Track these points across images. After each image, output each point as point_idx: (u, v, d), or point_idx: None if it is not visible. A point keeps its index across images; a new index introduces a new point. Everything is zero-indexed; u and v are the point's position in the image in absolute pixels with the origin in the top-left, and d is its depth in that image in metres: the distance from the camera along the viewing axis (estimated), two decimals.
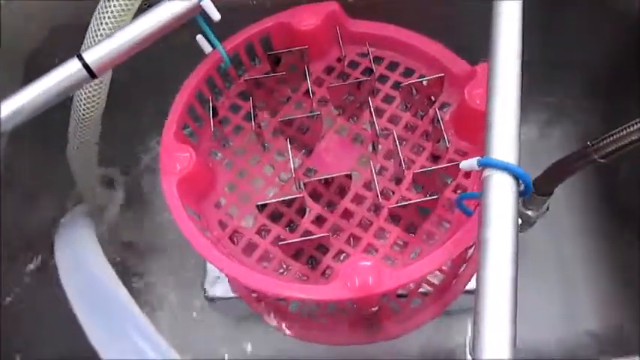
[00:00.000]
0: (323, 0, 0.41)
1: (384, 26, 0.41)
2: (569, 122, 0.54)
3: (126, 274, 0.50)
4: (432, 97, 0.39)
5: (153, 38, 0.35)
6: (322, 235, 0.33)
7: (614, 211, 0.51)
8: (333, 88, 0.38)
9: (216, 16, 0.36)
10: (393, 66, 0.42)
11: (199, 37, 0.40)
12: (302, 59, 0.41)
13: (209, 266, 0.48)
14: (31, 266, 0.44)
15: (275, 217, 0.36)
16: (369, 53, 0.41)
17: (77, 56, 0.34)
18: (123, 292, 0.32)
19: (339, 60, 0.43)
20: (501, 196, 0.26)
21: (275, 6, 0.42)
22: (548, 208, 0.47)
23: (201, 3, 0.34)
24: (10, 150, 0.43)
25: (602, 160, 0.38)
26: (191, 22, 0.37)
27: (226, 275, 0.33)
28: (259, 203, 0.33)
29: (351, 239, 0.36)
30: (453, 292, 0.42)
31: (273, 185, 0.38)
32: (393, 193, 0.37)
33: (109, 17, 0.36)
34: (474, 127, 0.36)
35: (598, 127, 0.39)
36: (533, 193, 0.45)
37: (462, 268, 0.42)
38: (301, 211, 0.37)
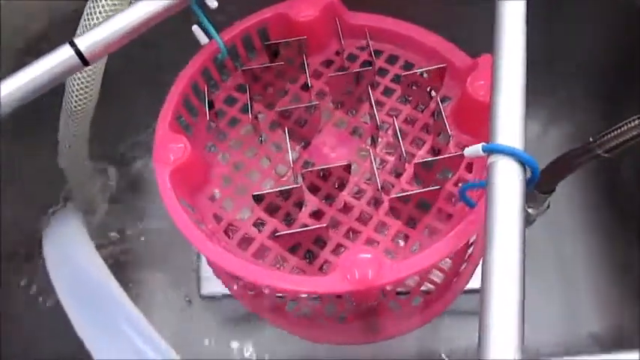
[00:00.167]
0: None
1: (383, 19, 0.41)
2: (569, 121, 0.54)
3: (117, 270, 0.49)
4: (433, 90, 0.39)
5: (147, 25, 0.34)
6: (320, 225, 0.31)
7: (614, 210, 0.50)
8: (332, 79, 0.38)
9: (213, 3, 0.35)
10: (392, 59, 0.41)
11: (195, 28, 0.39)
12: (300, 52, 0.41)
13: (204, 264, 0.47)
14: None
15: (272, 210, 0.35)
16: (368, 45, 0.40)
17: (69, 43, 0.33)
18: (115, 286, 0.31)
19: (337, 53, 0.42)
20: (507, 183, 0.25)
21: None
22: (549, 206, 0.47)
23: None
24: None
25: (605, 155, 0.37)
26: (187, 12, 0.36)
27: (221, 268, 0.32)
28: (256, 194, 0.32)
29: (350, 233, 0.35)
30: (453, 292, 0.41)
31: (270, 178, 0.38)
32: (393, 186, 0.36)
33: (103, 4, 0.35)
34: (476, 119, 0.36)
35: (599, 126, 0.38)
36: (535, 190, 0.45)
37: (463, 267, 0.41)
38: (299, 205, 0.36)
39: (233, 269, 0.31)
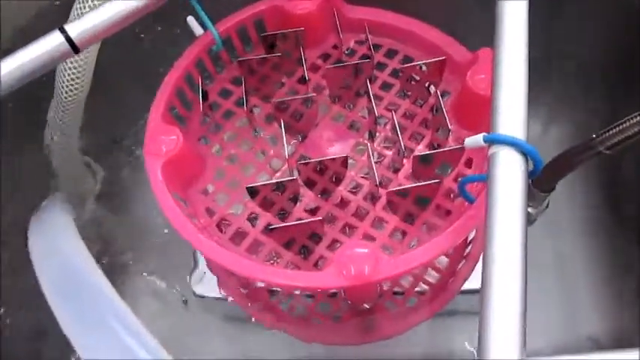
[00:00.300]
0: None
1: (382, 12, 0.40)
2: (569, 120, 0.53)
3: (108, 267, 0.48)
4: (432, 85, 0.38)
5: (140, 14, 0.33)
6: (315, 219, 0.31)
7: (615, 210, 0.50)
8: (329, 71, 0.37)
9: None
10: (391, 53, 0.41)
11: (190, 19, 0.39)
12: (297, 45, 0.40)
13: (200, 262, 0.46)
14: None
15: (266, 204, 0.34)
16: (367, 40, 0.39)
17: (59, 29, 0.32)
18: (103, 281, 0.30)
19: (335, 47, 0.42)
20: (509, 174, 0.24)
21: None
22: (548, 205, 0.46)
23: None
24: None
25: (607, 152, 0.37)
26: (182, 2, 0.36)
27: (213, 262, 0.31)
28: (249, 186, 0.32)
29: (347, 228, 0.34)
30: (450, 292, 0.40)
31: (265, 172, 0.37)
32: (391, 181, 0.35)
33: None
34: (476, 114, 0.35)
35: (599, 125, 0.37)
36: (535, 188, 0.44)
37: (460, 265, 0.41)
38: (294, 200, 0.35)
39: (226, 264, 0.30)
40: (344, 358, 0.42)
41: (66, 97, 0.39)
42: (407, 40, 0.40)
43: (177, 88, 0.37)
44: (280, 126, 0.35)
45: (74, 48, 0.32)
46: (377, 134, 0.37)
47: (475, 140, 0.26)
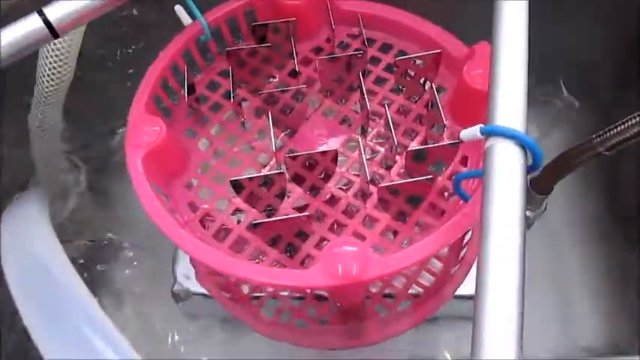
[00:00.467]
0: None
1: (377, 5, 0.39)
2: (568, 122, 0.52)
3: (90, 265, 0.46)
4: (427, 80, 0.37)
5: None
6: (302, 215, 0.29)
7: (613, 215, 0.48)
8: (322, 63, 0.35)
9: None
10: (385, 48, 0.39)
11: (178, 8, 0.37)
12: (288, 38, 0.39)
13: (180, 261, 0.44)
14: None
15: (252, 200, 0.33)
16: (361, 33, 0.38)
17: (37, 12, 0.31)
18: (76, 280, 0.28)
19: (328, 41, 0.40)
20: (507, 168, 0.22)
21: None
22: (546, 208, 0.45)
23: None
24: None
25: (607, 153, 0.36)
26: None
27: (192, 258, 0.30)
28: (234, 179, 0.30)
29: (336, 226, 0.33)
30: (442, 297, 0.39)
31: (251, 167, 0.35)
32: (383, 178, 0.34)
33: None
34: (472, 110, 0.33)
35: (598, 127, 0.36)
36: (532, 191, 0.43)
37: (455, 269, 0.39)
38: (281, 196, 0.33)
39: (207, 260, 0.29)
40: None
41: (47, 87, 0.38)
42: (401, 34, 0.39)
43: (162, 79, 0.36)
44: (269, 119, 0.33)
45: (53, 33, 0.30)
46: (369, 130, 0.36)
47: (471, 132, 0.24)
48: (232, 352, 0.46)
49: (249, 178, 0.30)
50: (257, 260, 0.32)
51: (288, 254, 0.32)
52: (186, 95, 0.34)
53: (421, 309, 0.38)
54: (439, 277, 0.39)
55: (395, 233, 0.32)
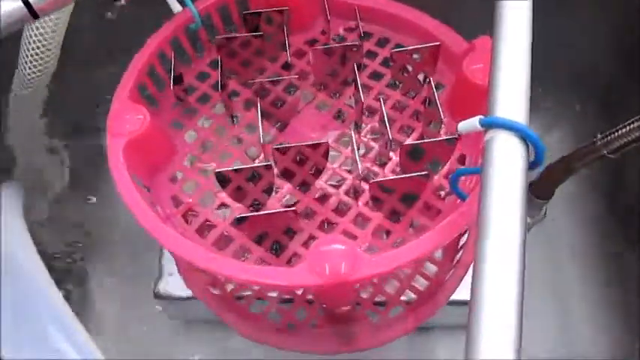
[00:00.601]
0: None
1: None
2: (569, 127, 0.50)
3: (71, 262, 0.44)
4: (425, 76, 0.35)
5: None
6: (290, 209, 0.27)
7: (615, 221, 0.47)
8: (315, 55, 0.34)
9: None
10: (382, 42, 0.38)
11: None
12: (281, 29, 0.37)
13: (164, 259, 0.43)
14: None
15: (238, 195, 0.31)
16: (357, 26, 0.36)
17: None
18: (42, 275, 0.27)
19: (323, 34, 0.39)
20: (507, 162, 0.21)
21: None
22: (545, 214, 0.43)
23: None
24: None
25: (611, 156, 0.34)
26: None
27: (171, 253, 0.28)
28: (219, 171, 0.28)
29: (325, 224, 0.31)
30: (436, 303, 0.37)
31: (240, 161, 0.34)
32: (376, 176, 0.32)
33: None
34: (472, 106, 0.32)
35: (600, 129, 0.35)
36: (532, 196, 0.41)
37: (449, 275, 0.38)
38: (269, 191, 0.32)
39: (187, 256, 0.27)
40: None
41: (29, 73, 0.36)
42: (399, 28, 0.37)
43: (149, 66, 0.34)
44: (258, 111, 0.32)
45: (32, 12, 0.29)
46: (363, 126, 0.35)
47: (470, 124, 0.23)
48: (221, 351, 0.44)
49: (235, 170, 0.29)
50: (241, 258, 0.31)
51: (274, 252, 0.30)
52: (172, 84, 0.33)
53: (415, 314, 0.37)
54: (433, 282, 0.38)
55: (388, 233, 0.31)
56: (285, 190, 0.32)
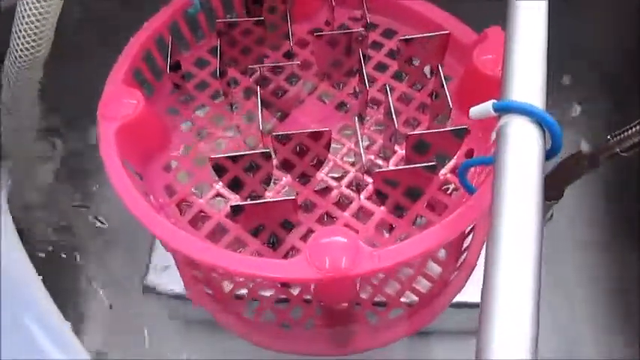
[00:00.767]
0: None
1: None
2: (580, 122, 0.49)
3: (62, 255, 0.43)
4: (431, 69, 0.34)
5: None
6: (288, 198, 0.26)
7: (622, 226, 0.45)
8: (318, 42, 0.33)
9: None
10: (388, 34, 0.37)
11: None
12: (285, 18, 0.36)
13: (155, 253, 0.41)
14: None
15: (234, 186, 0.30)
16: (363, 16, 0.35)
17: None
18: (26, 270, 0.25)
19: (327, 24, 0.38)
20: (523, 149, 0.19)
21: None
22: (552, 216, 0.42)
23: None
24: None
25: (624, 154, 0.33)
26: None
27: (162, 242, 0.26)
28: (215, 157, 0.27)
29: (325, 218, 0.30)
30: (439, 305, 0.36)
31: (237, 150, 0.32)
32: (380, 169, 0.31)
33: None
34: (481, 99, 0.30)
35: (611, 127, 0.34)
36: None
37: (453, 276, 0.36)
38: (267, 182, 0.30)
39: (179, 245, 0.25)
40: None
41: (21, 56, 0.35)
42: (406, 19, 0.36)
43: (145, 51, 0.33)
44: (258, 99, 0.30)
45: None
46: (367, 117, 0.33)
47: (483, 109, 0.21)
48: (213, 351, 0.42)
49: (232, 157, 0.27)
50: (237, 252, 0.29)
51: (270, 246, 0.28)
52: (168, 68, 0.31)
53: (416, 316, 0.35)
54: (436, 284, 0.36)
55: (391, 229, 0.29)
56: (284, 182, 0.31)
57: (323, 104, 0.34)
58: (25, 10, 0.33)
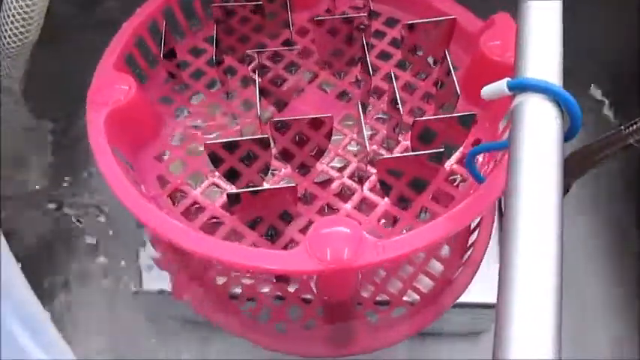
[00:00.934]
0: None
1: None
2: (591, 118, 0.48)
3: (50, 249, 0.41)
4: (435, 60, 0.33)
5: None
6: (288, 186, 0.25)
7: (634, 224, 0.44)
8: (319, 27, 0.31)
9: None
10: (391, 22, 0.35)
11: None
12: (284, 6, 0.35)
13: (150, 251, 0.40)
14: None
15: (231, 177, 0.28)
16: (366, 5, 0.34)
17: None
18: (8, 262, 0.24)
19: (328, 12, 0.37)
20: (541, 128, 0.18)
21: None
22: None
23: None
24: None
25: (637, 145, 0.32)
26: None
27: (151, 233, 0.25)
28: (209, 143, 0.26)
29: (326, 209, 0.28)
30: (442, 304, 0.34)
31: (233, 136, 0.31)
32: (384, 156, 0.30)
33: None
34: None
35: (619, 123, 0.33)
36: None
37: (458, 273, 0.35)
38: (265, 172, 0.29)
39: (171, 235, 0.24)
40: None
41: (9, 42, 0.33)
42: (409, 8, 0.35)
43: (138, 37, 0.32)
44: (256, 87, 0.29)
45: None
46: (370, 107, 0.32)
47: (496, 88, 0.20)
48: (212, 351, 0.41)
49: (228, 144, 0.26)
50: None
51: (269, 238, 0.27)
52: (161, 53, 0.30)
53: (419, 315, 0.34)
54: (440, 281, 0.35)
55: (395, 221, 0.28)
56: (282, 173, 0.29)
57: (324, 93, 0.33)
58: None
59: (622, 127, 0.32)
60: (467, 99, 0.31)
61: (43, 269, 0.42)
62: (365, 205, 0.28)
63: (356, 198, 0.28)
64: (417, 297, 0.34)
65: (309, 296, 0.34)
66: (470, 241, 0.35)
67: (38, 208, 0.41)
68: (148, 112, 0.30)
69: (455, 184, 0.29)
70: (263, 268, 0.22)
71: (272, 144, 0.28)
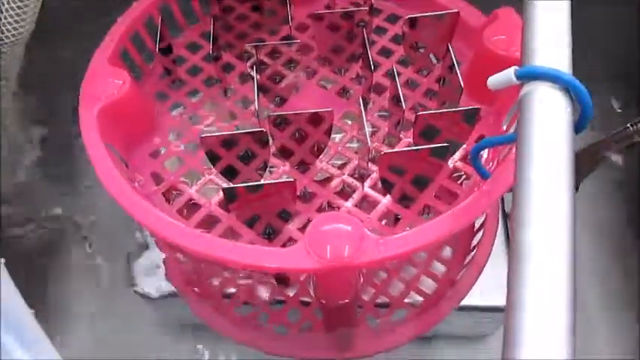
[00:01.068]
0: None
1: None
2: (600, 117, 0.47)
3: (42, 251, 0.40)
4: (437, 57, 0.32)
5: None
6: (287, 180, 0.24)
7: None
8: (319, 21, 0.31)
9: None
10: (393, 19, 0.35)
11: None
12: (284, 3, 0.34)
13: (147, 252, 0.39)
14: None
15: (228, 174, 0.28)
16: (367, 1, 0.33)
17: None
18: None
19: (328, 9, 0.36)
20: (551, 118, 0.17)
21: None
22: None
23: None
24: None
25: None
26: None
27: (147, 230, 0.24)
28: (204, 136, 0.25)
29: (326, 207, 0.27)
30: (445, 307, 0.33)
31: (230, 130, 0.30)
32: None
33: None
34: None
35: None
36: None
37: (460, 274, 0.34)
38: (263, 169, 0.28)
39: (166, 233, 0.23)
40: None
41: (6, 35, 0.33)
42: (410, 3, 0.34)
43: (133, 31, 0.31)
44: (254, 82, 0.28)
45: None
46: (370, 104, 0.31)
47: (503, 77, 0.19)
48: (207, 351, 0.40)
49: (225, 138, 0.25)
50: None
51: (266, 237, 0.26)
52: (157, 48, 0.29)
53: (421, 318, 0.33)
54: (441, 284, 0.34)
55: (397, 220, 0.27)
56: (281, 170, 0.29)
57: (324, 90, 0.32)
58: None
59: (628, 126, 0.31)
60: (470, 95, 0.31)
61: (39, 270, 0.41)
62: (366, 203, 0.27)
63: (357, 196, 0.27)
64: (419, 299, 0.33)
65: (308, 299, 0.33)
66: (473, 243, 0.34)
67: (33, 208, 0.40)
68: (142, 108, 0.29)
69: (459, 181, 0.28)
70: (260, 265, 0.21)
71: (270, 141, 0.27)
